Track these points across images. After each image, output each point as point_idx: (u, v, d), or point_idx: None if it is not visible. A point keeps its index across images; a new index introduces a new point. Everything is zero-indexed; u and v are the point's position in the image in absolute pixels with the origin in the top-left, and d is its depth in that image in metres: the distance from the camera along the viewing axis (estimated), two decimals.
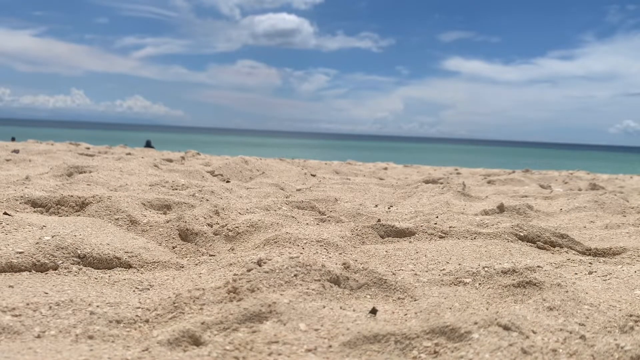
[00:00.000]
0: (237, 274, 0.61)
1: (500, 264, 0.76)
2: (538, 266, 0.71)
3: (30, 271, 0.69)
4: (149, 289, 0.68)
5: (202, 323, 0.51)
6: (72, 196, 1.11)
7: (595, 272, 0.79)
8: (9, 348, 0.47)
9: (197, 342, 0.49)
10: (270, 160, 2.83)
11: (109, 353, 0.47)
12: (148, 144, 8.40)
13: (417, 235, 1.02)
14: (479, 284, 0.70)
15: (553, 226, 1.22)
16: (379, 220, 1.15)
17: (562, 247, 0.98)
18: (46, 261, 0.71)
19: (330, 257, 0.81)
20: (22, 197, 1.09)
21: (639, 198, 1.83)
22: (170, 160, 2.39)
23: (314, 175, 2.18)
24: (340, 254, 0.85)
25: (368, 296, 0.63)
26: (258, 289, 0.57)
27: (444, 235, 1.03)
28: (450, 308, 0.58)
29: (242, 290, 0.57)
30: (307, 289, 0.59)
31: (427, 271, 0.78)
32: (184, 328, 0.50)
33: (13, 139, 5.66)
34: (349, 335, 0.49)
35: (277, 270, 0.61)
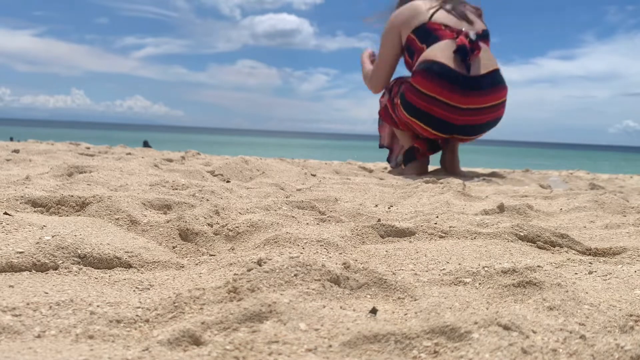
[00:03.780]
0: (237, 274, 0.61)
1: (500, 263, 0.76)
2: (538, 266, 0.71)
3: (30, 271, 0.69)
4: (149, 289, 0.68)
5: (202, 323, 0.51)
6: (72, 196, 1.11)
7: (595, 272, 0.79)
8: (9, 348, 0.47)
9: (197, 341, 0.49)
10: (270, 160, 2.83)
11: (109, 353, 0.47)
12: (146, 144, 8.42)
13: (417, 235, 1.02)
14: (479, 283, 0.70)
15: (553, 226, 1.22)
16: (379, 220, 1.15)
17: (562, 247, 0.98)
18: (46, 261, 0.71)
19: (330, 256, 0.81)
20: (22, 197, 1.09)
21: (639, 198, 1.83)
22: (171, 160, 2.39)
23: (314, 175, 2.18)
24: (340, 253, 0.85)
25: (368, 296, 0.63)
26: (258, 288, 0.57)
27: (444, 235, 1.03)
28: (450, 308, 0.58)
29: (242, 290, 0.57)
30: (307, 288, 0.59)
31: (427, 271, 0.78)
32: (184, 328, 0.50)
33: (11, 139, 5.66)
34: (349, 335, 0.49)
35: (277, 270, 0.61)
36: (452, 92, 2.55)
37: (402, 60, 2.93)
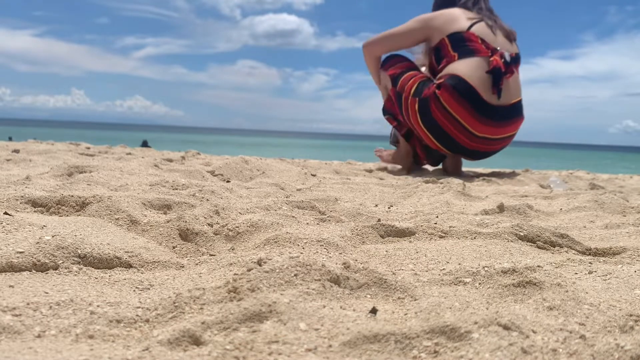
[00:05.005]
0: (237, 274, 0.61)
1: (500, 263, 0.76)
2: (538, 266, 0.71)
3: (30, 271, 0.69)
4: (149, 289, 0.68)
5: (203, 323, 0.51)
6: (72, 196, 1.11)
7: (595, 271, 0.79)
8: (9, 348, 0.47)
9: (197, 341, 0.49)
10: (270, 160, 2.83)
11: (109, 353, 0.47)
12: (145, 144, 8.44)
13: (417, 235, 1.02)
14: (479, 283, 0.70)
15: (553, 226, 1.22)
16: (379, 220, 1.15)
17: (562, 247, 0.98)
18: (46, 261, 0.71)
19: (330, 256, 0.81)
20: (22, 197, 1.09)
21: (639, 198, 1.83)
22: (171, 160, 2.39)
23: (314, 175, 2.18)
24: (340, 253, 0.85)
25: (368, 296, 0.63)
26: (258, 288, 0.58)
27: (444, 235, 1.03)
28: (450, 308, 0.58)
29: (243, 290, 0.57)
30: (307, 288, 0.59)
31: (427, 271, 0.79)
32: (184, 328, 0.50)
33: (10, 139, 5.67)
34: (349, 335, 0.49)
35: (277, 270, 0.61)
36: (474, 118, 2.48)
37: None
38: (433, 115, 2.56)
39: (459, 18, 2.65)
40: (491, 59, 2.51)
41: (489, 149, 2.65)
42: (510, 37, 2.68)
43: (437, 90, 2.55)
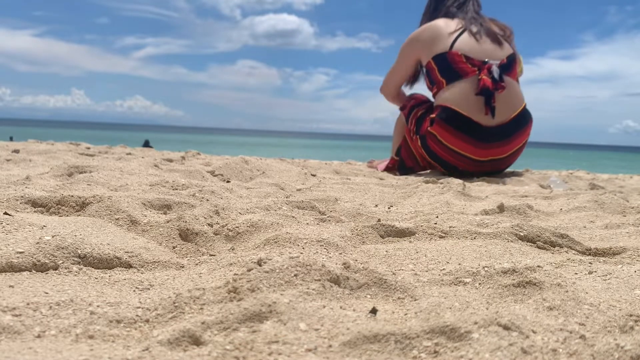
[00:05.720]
0: (237, 274, 0.61)
1: (500, 263, 0.76)
2: (538, 266, 0.71)
3: (30, 271, 0.69)
4: (149, 289, 0.68)
5: (203, 323, 0.51)
6: (72, 196, 1.11)
7: (595, 272, 0.79)
8: (9, 348, 0.47)
9: (197, 341, 0.49)
10: (270, 160, 2.83)
11: (109, 353, 0.47)
12: (146, 144, 8.44)
13: (417, 235, 1.02)
14: (479, 283, 0.70)
15: (553, 226, 1.22)
16: (379, 220, 1.15)
17: (562, 247, 0.98)
18: (46, 261, 0.71)
19: (330, 257, 0.81)
20: (22, 197, 1.09)
21: (639, 198, 1.83)
22: (171, 160, 2.39)
23: (314, 175, 2.18)
24: (340, 253, 0.85)
25: (368, 296, 0.63)
26: (258, 288, 0.58)
27: (444, 235, 1.03)
28: (450, 308, 0.58)
29: (243, 290, 0.57)
30: (307, 288, 0.59)
31: (427, 271, 0.79)
32: (184, 328, 0.50)
33: (11, 139, 5.67)
34: (349, 335, 0.49)
35: (277, 270, 0.61)
36: (474, 146, 2.43)
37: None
38: (433, 150, 2.54)
39: (440, 35, 2.57)
40: (479, 77, 2.42)
41: (501, 166, 2.61)
42: (499, 40, 2.57)
43: (429, 127, 2.51)
